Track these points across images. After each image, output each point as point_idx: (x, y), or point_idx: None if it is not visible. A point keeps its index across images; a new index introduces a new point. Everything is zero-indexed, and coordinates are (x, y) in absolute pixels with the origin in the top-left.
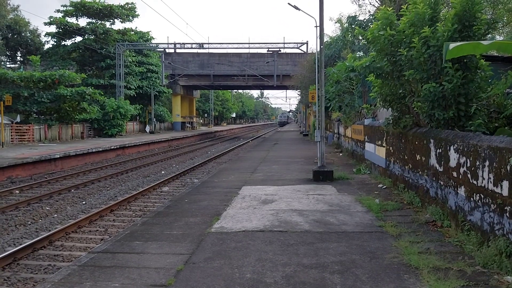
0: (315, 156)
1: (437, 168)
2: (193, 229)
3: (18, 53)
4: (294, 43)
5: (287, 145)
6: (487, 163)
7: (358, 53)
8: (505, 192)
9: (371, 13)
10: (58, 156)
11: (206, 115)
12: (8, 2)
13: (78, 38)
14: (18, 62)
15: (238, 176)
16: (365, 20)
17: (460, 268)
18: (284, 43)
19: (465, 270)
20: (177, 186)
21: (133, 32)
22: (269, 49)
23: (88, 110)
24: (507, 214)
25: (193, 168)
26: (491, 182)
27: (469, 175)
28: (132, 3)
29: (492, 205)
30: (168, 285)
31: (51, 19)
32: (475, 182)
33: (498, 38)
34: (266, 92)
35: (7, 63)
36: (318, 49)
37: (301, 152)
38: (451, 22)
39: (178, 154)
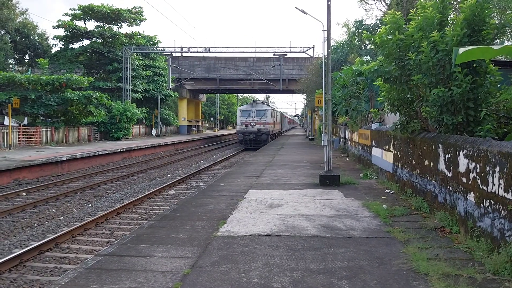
0: (321, 161)
1: (446, 173)
2: (200, 233)
3: (26, 56)
4: (301, 47)
5: (293, 149)
6: (497, 168)
7: (365, 57)
8: None
9: (378, 17)
10: (65, 159)
11: (211, 118)
12: (17, 5)
13: (86, 42)
14: (26, 65)
15: (244, 180)
16: (372, 25)
17: (470, 275)
18: (290, 47)
19: (475, 277)
20: (183, 190)
21: (140, 36)
22: (275, 53)
23: (94, 114)
24: None
25: (199, 172)
26: (501, 188)
27: (478, 181)
28: (140, 7)
29: (502, 211)
30: None
31: (59, 23)
32: (485, 188)
33: (507, 43)
34: (272, 96)
35: (15, 66)
36: (325, 53)
37: (307, 156)
38: (460, 26)
39: (184, 158)
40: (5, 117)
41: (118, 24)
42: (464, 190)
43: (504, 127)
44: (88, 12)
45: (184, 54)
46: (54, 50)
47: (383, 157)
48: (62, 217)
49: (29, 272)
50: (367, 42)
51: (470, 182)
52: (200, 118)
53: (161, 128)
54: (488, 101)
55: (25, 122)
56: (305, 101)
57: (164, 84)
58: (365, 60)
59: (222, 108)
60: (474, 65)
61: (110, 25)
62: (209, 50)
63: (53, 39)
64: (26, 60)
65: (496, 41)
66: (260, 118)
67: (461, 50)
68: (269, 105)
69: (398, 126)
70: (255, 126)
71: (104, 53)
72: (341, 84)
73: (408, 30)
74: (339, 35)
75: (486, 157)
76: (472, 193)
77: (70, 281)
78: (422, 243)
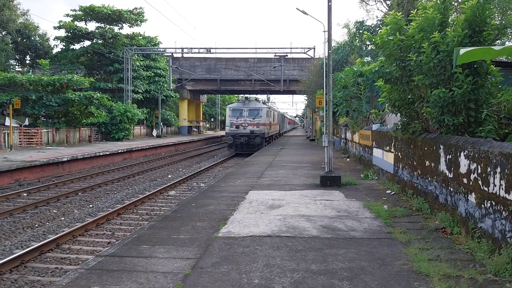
0: (322, 161)
1: (447, 174)
2: (200, 234)
3: (27, 57)
4: (301, 48)
5: (293, 150)
6: (498, 169)
7: (365, 58)
8: None
9: (379, 18)
10: (66, 160)
11: (212, 119)
12: (18, 6)
13: (87, 42)
14: (27, 66)
15: (244, 180)
16: (372, 26)
17: (471, 276)
18: (291, 48)
19: (476, 278)
20: (184, 190)
21: (141, 37)
22: (276, 54)
23: (95, 114)
24: None
25: (199, 172)
26: (502, 189)
27: (479, 182)
28: (141, 8)
29: (503, 212)
30: None
31: (60, 23)
32: (486, 188)
33: (508, 44)
34: (272, 97)
35: (16, 67)
36: (326, 54)
37: (308, 157)
38: (461, 27)
39: (185, 158)
40: (6, 117)
41: (119, 25)
42: (465, 191)
43: (505, 128)
44: (89, 13)
45: (185, 55)
46: (55, 51)
47: (384, 158)
48: (63, 218)
49: (30, 273)
50: (368, 43)
51: (471, 183)
52: (201, 119)
53: (162, 128)
54: (489, 102)
55: (26, 123)
56: (306, 102)
57: (165, 85)
58: (366, 61)
59: (223, 109)
60: (475, 66)
61: (111, 26)
62: (210, 51)
63: (54, 40)
64: (27, 61)
65: (497, 41)
66: (254, 118)
67: (462, 51)
68: (265, 103)
69: (399, 127)
70: (247, 127)
71: (105, 54)
72: (342, 85)
73: (409, 31)
74: (339, 35)
75: (487, 158)
76: (473, 194)
77: (71, 281)
78: (423, 244)
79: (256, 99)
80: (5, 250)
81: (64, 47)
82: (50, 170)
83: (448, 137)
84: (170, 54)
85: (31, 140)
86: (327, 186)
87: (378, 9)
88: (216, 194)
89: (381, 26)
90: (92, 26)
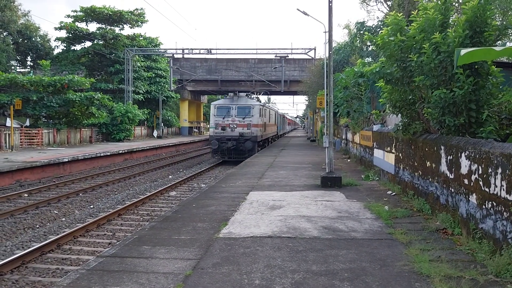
0: (323, 162)
1: (448, 175)
2: (201, 234)
3: (28, 57)
4: (302, 48)
5: (294, 151)
6: (499, 170)
7: (366, 59)
8: None
9: (380, 19)
10: (67, 160)
11: None
12: (19, 7)
13: (88, 43)
14: (28, 67)
15: (245, 181)
16: (373, 26)
17: (473, 277)
18: (291, 49)
19: (477, 279)
20: (185, 191)
21: (142, 38)
22: (277, 55)
23: (96, 115)
24: None
25: (200, 173)
26: (503, 190)
27: (480, 183)
28: (142, 8)
29: (505, 213)
30: None
31: (61, 24)
32: (487, 189)
33: (509, 44)
34: (273, 97)
35: (17, 67)
36: (327, 55)
37: (308, 157)
38: (462, 28)
39: (186, 159)
40: (7, 118)
41: (120, 25)
42: (466, 192)
43: (506, 129)
44: (90, 14)
45: (185, 56)
46: (56, 51)
47: (385, 158)
48: (64, 218)
49: (31, 274)
50: (369, 44)
51: (472, 184)
52: (202, 120)
53: (162, 129)
54: (490, 103)
55: (27, 123)
56: (307, 103)
57: (166, 86)
58: (366, 61)
59: None
60: (476, 66)
61: (112, 27)
62: (210, 51)
63: (55, 40)
64: (28, 62)
65: (498, 42)
66: (244, 118)
67: (463, 51)
68: (259, 100)
69: (400, 128)
70: (235, 129)
71: (106, 54)
72: (343, 86)
73: (409, 31)
74: (340, 36)
75: (488, 159)
76: (474, 194)
77: (72, 282)
78: (424, 245)
79: (247, 95)
80: (6, 251)
81: (65, 48)
82: (51, 170)
83: (449, 137)
84: (171, 55)
85: (32, 140)
86: (328, 186)
87: (379, 9)
88: (217, 194)
89: (381, 26)
90: (93, 27)
